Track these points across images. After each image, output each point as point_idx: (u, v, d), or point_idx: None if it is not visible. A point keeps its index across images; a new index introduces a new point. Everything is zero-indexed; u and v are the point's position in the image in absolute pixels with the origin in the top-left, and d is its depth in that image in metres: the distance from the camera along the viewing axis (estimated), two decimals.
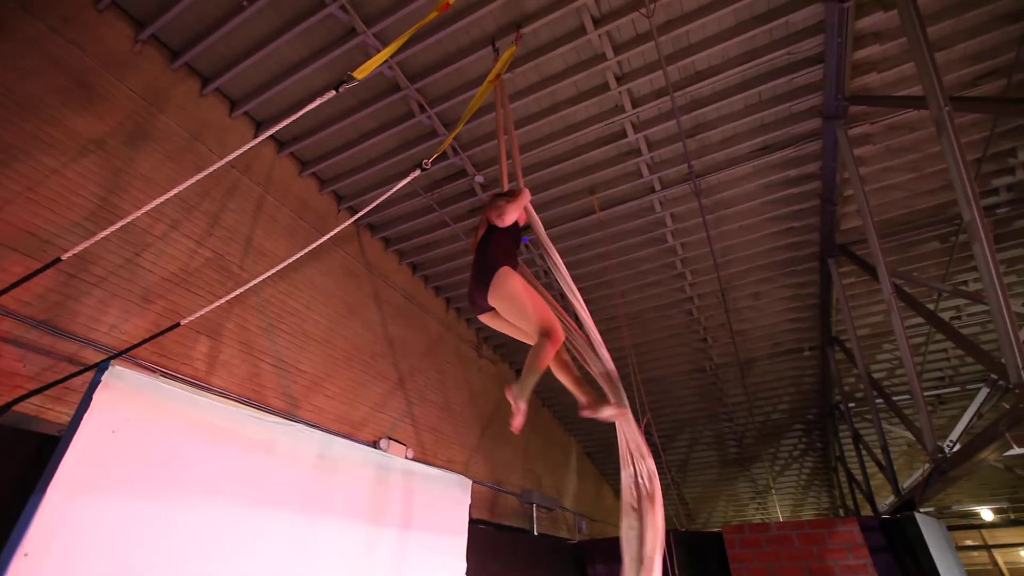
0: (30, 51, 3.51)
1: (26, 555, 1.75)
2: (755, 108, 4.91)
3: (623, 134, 5.20)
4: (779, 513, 13.72)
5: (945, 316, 7.37)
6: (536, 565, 6.05)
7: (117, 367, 2.04)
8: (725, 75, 4.53)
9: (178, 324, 2.63)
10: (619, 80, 4.69)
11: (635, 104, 4.89)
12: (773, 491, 13.27)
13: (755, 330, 8.12)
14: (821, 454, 11.54)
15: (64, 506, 1.89)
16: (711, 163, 5.47)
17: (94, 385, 1.95)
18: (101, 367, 1.99)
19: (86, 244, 2.38)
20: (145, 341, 2.71)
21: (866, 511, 8.54)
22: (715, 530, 5.77)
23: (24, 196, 3.24)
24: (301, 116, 2.53)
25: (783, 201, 5.86)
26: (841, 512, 11.39)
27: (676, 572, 5.40)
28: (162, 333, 2.68)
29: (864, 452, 7.84)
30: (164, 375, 3.66)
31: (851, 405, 8.38)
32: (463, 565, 4.10)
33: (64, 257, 2.09)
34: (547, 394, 10.40)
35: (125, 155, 3.94)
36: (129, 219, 2.33)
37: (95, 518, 1.93)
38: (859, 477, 8.22)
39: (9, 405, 2.56)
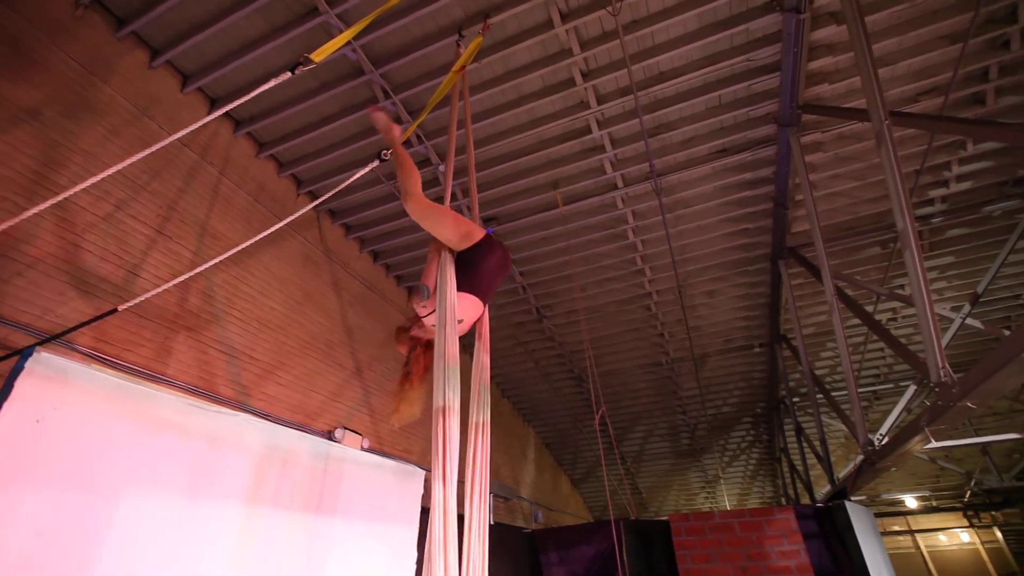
0: None
1: None
2: (715, 111, 5.04)
3: (587, 130, 5.25)
4: (727, 502, 14.34)
5: (884, 317, 7.83)
6: (492, 553, 6.12)
7: (43, 353, 1.93)
8: (687, 77, 4.63)
9: (115, 310, 2.52)
10: (585, 76, 4.73)
11: (600, 101, 4.94)
12: (722, 481, 13.86)
13: (709, 326, 8.41)
14: (767, 446, 12.10)
15: None
16: (672, 163, 5.60)
17: (16, 372, 1.85)
18: (25, 353, 1.88)
19: (15, 220, 2.24)
20: (79, 326, 2.58)
21: (805, 500, 9.03)
22: (663, 518, 6.00)
23: None
24: (259, 95, 2.45)
25: (738, 203, 6.07)
26: (783, 501, 12.01)
27: (624, 559, 5.59)
28: (99, 318, 2.56)
29: (805, 444, 8.28)
30: (104, 363, 3.50)
31: (795, 400, 8.82)
32: (415, 555, 4.12)
33: None
34: (506, 385, 10.48)
35: (64, 128, 3.70)
36: (64, 195, 2.21)
37: (18, 511, 1.84)
38: (800, 468, 8.69)
39: None
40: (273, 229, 3.01)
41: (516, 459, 10.75)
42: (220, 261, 3.09)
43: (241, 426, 2.78)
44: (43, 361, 1.91)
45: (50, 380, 1.93)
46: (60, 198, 2.19)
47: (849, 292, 6.26)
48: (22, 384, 1.83)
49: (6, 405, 1.80)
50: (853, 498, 5.57)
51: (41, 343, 2.16)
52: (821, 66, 4.55)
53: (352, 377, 6.13)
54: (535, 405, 11.13)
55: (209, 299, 4.54)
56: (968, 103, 4.81)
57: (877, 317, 7.56)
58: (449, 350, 1.78)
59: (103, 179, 2.17)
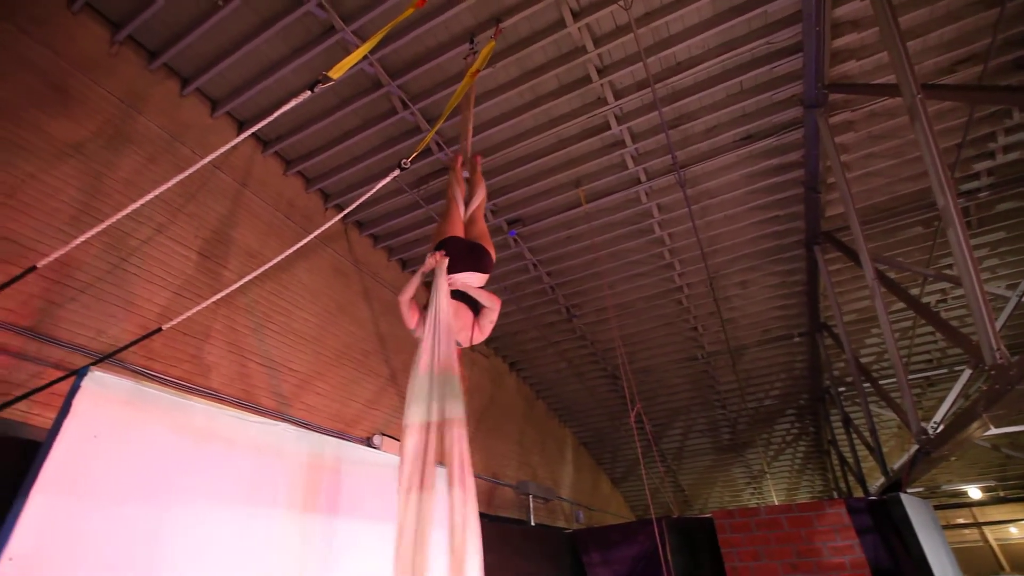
0: (3, 56, 3.47)
1: (10, 560, 1.77)
2: (736, 98, 4.93)
3: (606, 126, 5.21)
4: (774, 497, 13.89)
5: (932, 299, 7.46)
6: (532, 554, 6.12)
7: (97, 372, 2.05)
8: (705, 65, 4.55)
9: (160, 329, 2.65)
10: (600, 72, 4.70)
11: (617, 96, 4.90)
12: (768, 476, 13.44)
13: (744, 318, 8.19)
14: (814, 438, 11.68)
15: (47, 511, 1.91)
16: (695, 153, 5.49)
17: (73, 391, 1.97)
18: (80, 373, 2.00)
19: (64, 250, 2.38)
20: (128, 346, 2.73)
21: (858, 493, 8.67)
22: (706, 516, 5.86)
23: (2, 203, 3.23)
24: (284, 114, 2.54)
25: (767, 190, 5.90)
26: (835, 494, 11.55)
27: (668, 558, 5.49)
28: (145, 338, 2.69)
29: (854, 435, 7.96)
30: (153, 379, 3.68)
31: (841, 390, 8.49)
32: None
33: (40, 265, 2.10)
34: (540, 386, 10.47)
35: (105, 159, 3.92)
36: (107, 223, 2.34)
37: (79, 523, 1.95)
38: (850, 460, 8.35)
39: None
40: (302, 243, 3.10)
41: (553, 460, 10.71)
42: (256, 277, 3.21)
43: (283, 436, 2.88)
44: (97, 380, 2.03)
45: (105, 398, 2.05)
46: (105, 225, 2.33)
47: (891, 275, 6.00)
48: (79, 402, 1.95)
49: (66, 423, 1.91)
50: (909, 490, 5.31)
51: (95, 363, 2.30)
52: (846, 43, 4.38)
53: (387, 384, 6.25)
54: (570, 405, 11.07)
55: (247, 314, 4.72)
56: (1010, 69, 4.53)
57: (924, 300, 7.21)
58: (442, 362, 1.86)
59: (143, 204, 2.29)
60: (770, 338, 8.66)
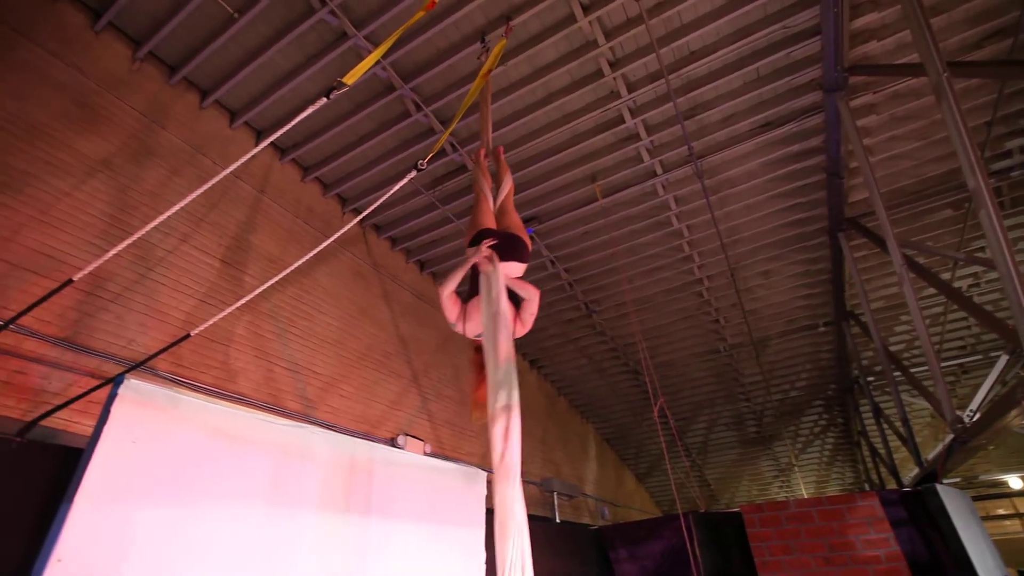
0: (34, 78, 3.61)
1: (59, 561, 1.85)
2: (753, 85, 4.84)
3: (620, 120, 5.16)
4: (803, 490, 13.63)
5: (963, 284, 7.22)
6: (559, 551, 6.13)
7: (132, 380, 2.12)
8: (720, 53, 4.47)
9: (188, 335, 2.72)
10: (612, 66, 4.66)
11: (630, 89, 4.86)
12: (796, 468, 13.19)
13: (767, 308, 8.05)
14: (843, 429, 11.43)
15: (92, 514, 1.99)
16: (711, 143, 5.41)
17: (111, 399, 2.04)
18: (117, 380, 2.07)
19: (98, 263, 2.46)
20: (158, 353, 2.81)
21: (891, 485, 8.46)
22: (734, 510, 5.78)
23: (37, 219, 3.35)
24: (300, 122, 2.58)
25: (787, 177, 5.78)
26: (866, 487, 11.28)
27: (696, 553, 5.43)
28: (174, 345, 2.77)
29: (885, 425, 7.76)
30: (184, 385, 3.78)
31: (870, 379, 8.28)
32: (483, 555, 4.19)
33: (76, 278, 2.17)
34: (561, 383, 10.45)
35: (131, 172, 4.04)
36: (136, 236, 2.41)
37: (121, 524, 2.02)
38: (882, 451, 8.14)
39: (36, 421, 2.68)
40: (321, 247, 3.15)
41: (576, 456, 10.69)
42: (278, 282, 3.27)
43: (309, 438, 2.94)
44: (132, 387, 2.10)
45: (140, 404, 2.12)
46: (134, 238, 2.40)
47: (920, 260, 5.82)
48: (117, 409, 2.03)
49: (105, 429, 1.99)
50: (945, 481, 5.16)
51: (128, 371, 2.38)
52: (866, 23, 4.27)
53: (409, 385, 6.31)
54: (591, 401, 11.03)
55: (271, 319, 4.81)
56: None
57: (956, 284, 6.98)
58: (502, 351, 1.82)
59: (168, 216, 2.35)
60: (794, 328, 8.49)
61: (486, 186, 2.94)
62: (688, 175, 5.73)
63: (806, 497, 9.31)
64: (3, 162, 3.30)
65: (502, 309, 1.94)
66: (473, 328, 2.19)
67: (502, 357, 1.83)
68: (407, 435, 5.82)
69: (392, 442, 5.62)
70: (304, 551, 2.68)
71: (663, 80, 4.49)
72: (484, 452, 7.31)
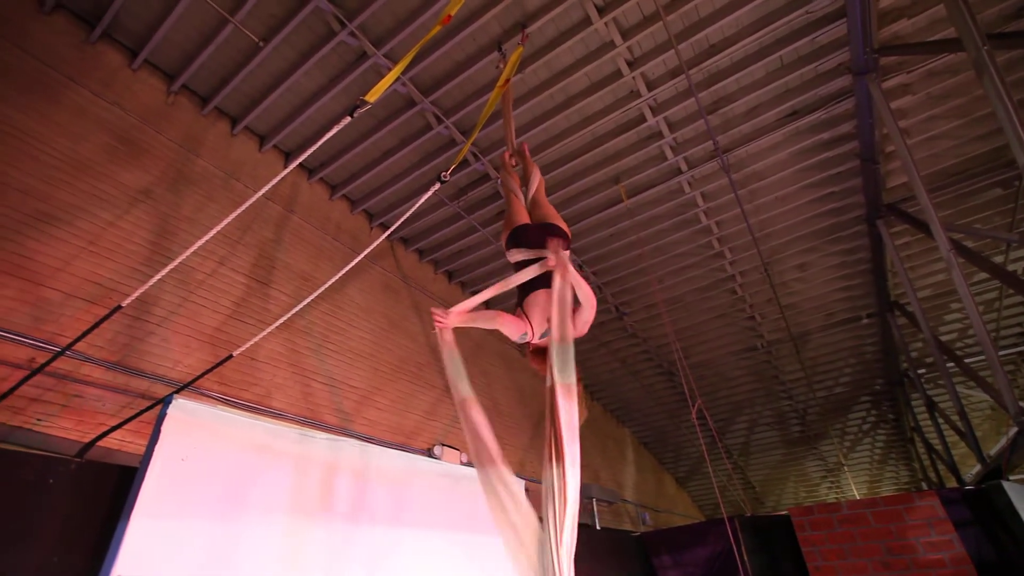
0: (79, 116, 3.82)
1: None
2: (778, 74, 4.72)
3: (642, 119, 5.11)
4: (855, 491, 13.04)
5: (1018, 267, 6.82)
6: (601, 558, 6.03)
7: (180, 400, 2.20)
8: (741, 44, 4.38)
9: (231, 356, 2.81)
10: (631, 65, 4.62)
11: (650, 87, 4.81)
12: (846, 468, 12.63)
13: (805, 302, 7.78)
14: (894, 426, 10.89)
15: (147, 530, 2.06)
16: (737, 136, 5.29)
17: (161, 418, 2.12)
18: (166, 401, 2.15)
19: (143, 289, 2.57)
20: (203, 374, 2.91)
21: (951, 483, 8.01)
22: (782, 513, 5.58)
23: (87, 250, 3.53)
24: (326, 141, 2.65)
25: (819, 166, 5.60)
26: (924, 485, 10.71)
27: (745, 559, 5.26)
28: (217, 366, 2.87)
29: (941, 420, 7.37)
30: (228, 403, 3.90)
31: (921, 372, 7.88)
32: None
33: (124, 304, 2.28)
34: (595, 387, 10.33)
35: (170, 201, 4.22)
36: (177, 262, 2.51)
37: (175, 540, 2.09)
38: (939, 447, 7.73)
39: (93, 442, 2.80)
40: (352, 264, 3.22)
41: (614, 461, 10.52)
42: (313, 300, 3.36)
43: (348, 451, 2.98)
44: (181, 407, 2.18)
45: (188, 423, 2.20)
46: (176, 263, 2.50)
47: (969, 244, 5.53)
48: (167, 428, 2.11)
49: (156, 448, 2.07)
50: (1012, 477, 4.85)
51: (177, 391, 2.47)
52: (893, 2, 4.11)
53: (443, 395, 6.34)
54: (627, 405, 10.86)
55: (306, 335, 4.93)
56: None
57: (1010, 268, 6.60)
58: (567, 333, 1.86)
59: (206, 240, 2.45)
60: (835, 322, 8.17)
61: (515, 185, 2.95)
62: (715, 170, 5.61)
63: (859, 498, 8.90)
64: (55, 197, 3.50)
65: (566, 297, 1.94)
66: (539, 324, 2.16)
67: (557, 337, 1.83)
68: (443, 445, 5.85)
69: (429, 452, 5.66)
70: (344, 561, 2.72)
71: (683, 76, 4.43)
72: (521, 459, 7.27)
